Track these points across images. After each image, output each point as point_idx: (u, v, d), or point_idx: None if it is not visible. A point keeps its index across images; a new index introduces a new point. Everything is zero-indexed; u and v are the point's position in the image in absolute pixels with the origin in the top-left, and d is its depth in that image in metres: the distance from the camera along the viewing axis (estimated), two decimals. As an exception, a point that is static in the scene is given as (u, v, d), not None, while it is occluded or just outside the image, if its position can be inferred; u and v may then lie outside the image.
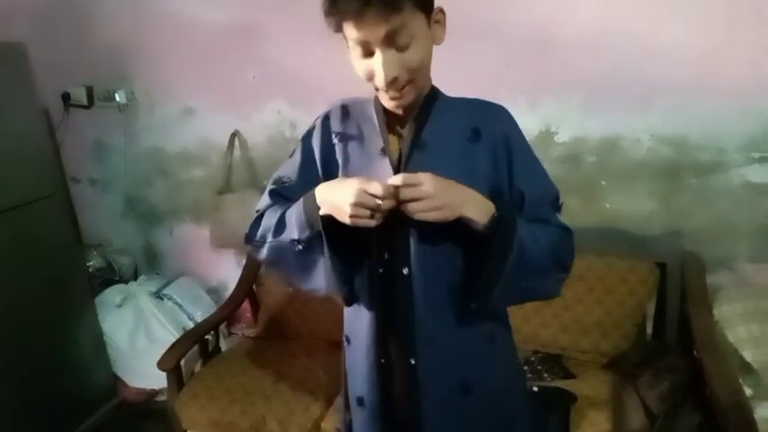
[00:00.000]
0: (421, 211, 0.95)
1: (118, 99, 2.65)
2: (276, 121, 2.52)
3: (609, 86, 2.05)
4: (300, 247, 1.05)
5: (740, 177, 2.02)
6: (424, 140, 1.05)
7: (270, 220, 1.11)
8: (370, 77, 0.99)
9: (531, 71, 2.13)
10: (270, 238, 1.10)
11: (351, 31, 0.95)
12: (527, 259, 1.01)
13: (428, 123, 1.06)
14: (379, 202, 0.94)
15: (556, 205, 1.12)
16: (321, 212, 1.01)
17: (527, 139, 1.11)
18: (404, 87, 0.99)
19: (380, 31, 0.92)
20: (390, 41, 0.94)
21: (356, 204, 0.94)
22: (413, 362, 1.09)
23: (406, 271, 1.06)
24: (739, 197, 2.04)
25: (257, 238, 1.14)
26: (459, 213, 0.97)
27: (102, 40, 2.63)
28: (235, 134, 2.56)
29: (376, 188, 0.94)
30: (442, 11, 1.01)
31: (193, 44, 2.51)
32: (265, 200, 1.18)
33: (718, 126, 1.99)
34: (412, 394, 1.10)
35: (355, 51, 0.98)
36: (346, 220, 0.96)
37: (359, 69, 1.00)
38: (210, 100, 2.59)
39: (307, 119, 2.43)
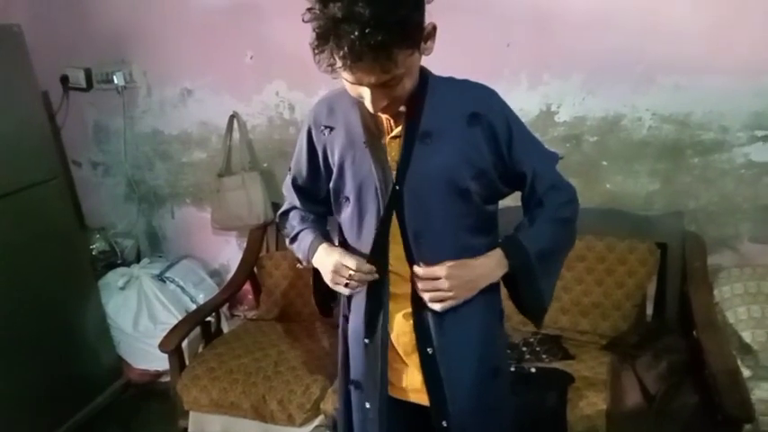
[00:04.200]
0: (436, 301, 1.08)
1: (116, 81, 2.63)
2: (275, 102, 2.50)
3: (610, 65, 2.01)
4: (301, 266, 1.30)
5: (743, 156, 2.00)
6: (427, 130, 1.06)
7: (292, 224, 1.30)
8: (360, 98, 1.01)
9: (532, 50, 2.09)
10: (290, 243, 1.32)
11: (341, 71, 0.94)
12: (549, 259, 1.13)
13: (425, 110, 1.06)
14: (352, 272, 1.09)
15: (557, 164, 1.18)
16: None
17: (527, 119, 1.13)
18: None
19: (371, 79, 0.93)
20: (381, 85, 0.95)
21: (335, 274, 1.13)
22: (430, 351, 1.12)
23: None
24: (742, 176, 2.02)
25: (286, 230, 1.34)
26: (475, 292, 1.09)
27: (100, 22, 2.61)
28: (233, 116, 2.55)
29: (351, 263, 1.10)
30: (434, 27, 0.97)
31: (190, 25, 2.48)
32: (289, 185, 1.32)
33: (721, 104, 1.96)
34: (433, 380, 1.14)
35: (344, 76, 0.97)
36: (330, 284, 1.16)
37: (348, 88, 1.01)
38: (208, 81, 2.57)
39: (306, 100, 2.44)
